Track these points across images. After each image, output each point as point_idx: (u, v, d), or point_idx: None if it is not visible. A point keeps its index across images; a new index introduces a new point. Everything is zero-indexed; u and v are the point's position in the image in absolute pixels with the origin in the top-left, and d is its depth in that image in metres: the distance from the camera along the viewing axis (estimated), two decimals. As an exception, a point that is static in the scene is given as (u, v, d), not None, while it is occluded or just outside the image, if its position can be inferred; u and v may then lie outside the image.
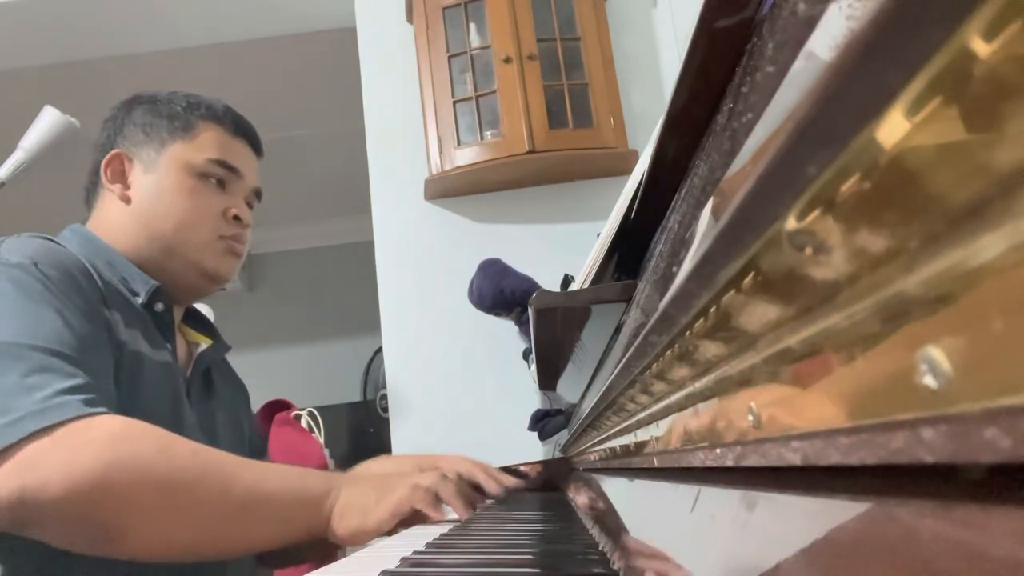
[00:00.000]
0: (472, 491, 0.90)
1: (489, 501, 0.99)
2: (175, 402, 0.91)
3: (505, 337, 1.65)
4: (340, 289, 4.03)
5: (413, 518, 0.81)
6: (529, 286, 1.46)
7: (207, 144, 1.00)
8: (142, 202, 0.98)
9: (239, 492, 0.73)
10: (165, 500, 0.70)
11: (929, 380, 0.12)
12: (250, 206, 1.06)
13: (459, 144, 1.76)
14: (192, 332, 1.07)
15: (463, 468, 0.99)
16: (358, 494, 0.80)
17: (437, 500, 0.81)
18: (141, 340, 0.88)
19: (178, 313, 1.03)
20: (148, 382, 0.86)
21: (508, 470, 1.22)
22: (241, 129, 1.04)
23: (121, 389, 0.82)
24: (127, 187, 0.99)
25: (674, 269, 0.27)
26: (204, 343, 1.05)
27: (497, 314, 1.53)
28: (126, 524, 0.69)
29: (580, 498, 0.85)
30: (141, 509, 0.69)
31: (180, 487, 0.70)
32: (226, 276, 1.02)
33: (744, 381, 0.22)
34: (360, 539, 0.80)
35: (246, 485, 0.74)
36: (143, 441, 0.71)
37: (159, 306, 0.94)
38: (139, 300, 0.92)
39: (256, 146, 1.07)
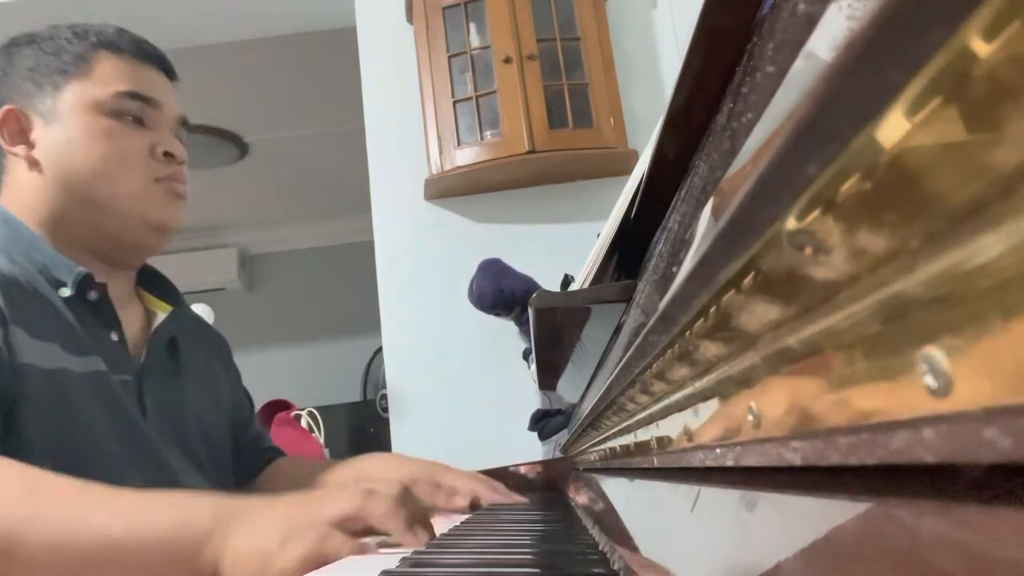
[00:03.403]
0: (420, 507, 0.65)
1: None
2: (116, 411, 0.79)
3: (505, 337, 1.65)
4: (340, 289, 4.03)
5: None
6: (529, 286, 1.45)
7: (109, 76, 0.85)
8: (52, 159, 0.83)
9: (87, 539, 0.58)
10: None
11: (929, 380, 0.12)
12: (179, 139, 0.90)
13: (459, 144, 1.76)
14: (151, 298, 0.95)
15: (464, 486, 0.90)
16: (257, 534, 0.58)
17: (366, 533, 0.59)
18: (60, 352, 0.76)
19: (128, 282, 0.92)
20: (77, 400, 0.75)
21: (508, 470, 1.23)
22: (144, 52, 0.89)
23: (39, 411, 0.72)
24: (31, 147, 0.84)
25: (674, 269, 0.27)
26: (162, 311, 0.93)
27: (497, 314, 1.53)
28: None
29: (580, 498, 0.85)
30: None
31: (11, 540, 0.57)
32: (173, 224, 0.89)
33: (744, 381, 0.22)
34: None
35: (95, 528, 0.58)
36: None
37: (92, 294, 0.81)
38: (66, 292, 0.79)
39: (167, 69, 0.92)
